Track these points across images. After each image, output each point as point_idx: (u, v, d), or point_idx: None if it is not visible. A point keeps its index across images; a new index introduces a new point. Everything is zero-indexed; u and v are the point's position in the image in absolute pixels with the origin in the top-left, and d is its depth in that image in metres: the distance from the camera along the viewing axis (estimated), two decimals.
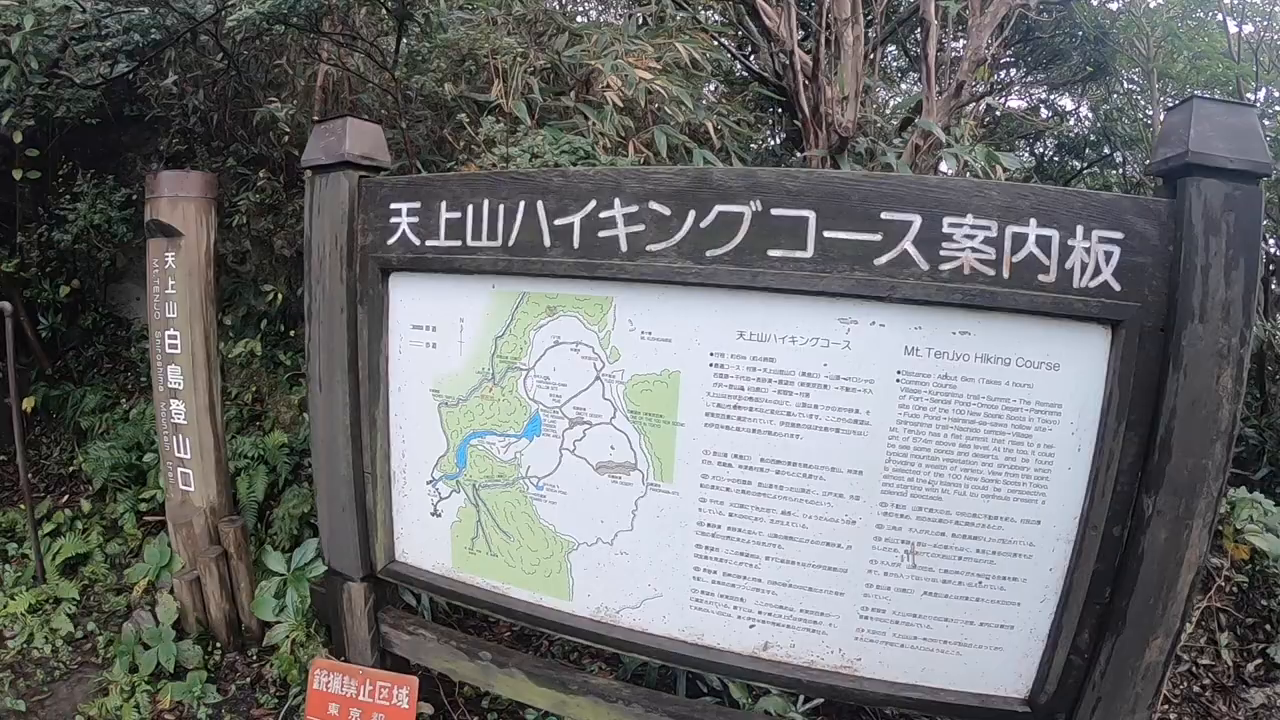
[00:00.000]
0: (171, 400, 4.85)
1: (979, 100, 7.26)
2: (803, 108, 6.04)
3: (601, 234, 3.21)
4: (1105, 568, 2.90)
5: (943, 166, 5.53)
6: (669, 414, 3.27)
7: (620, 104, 5.11)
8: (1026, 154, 13.08)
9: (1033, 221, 2.80)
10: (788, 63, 6.04)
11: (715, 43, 7.19)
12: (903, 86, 12.39)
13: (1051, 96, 13.17)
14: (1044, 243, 2.80)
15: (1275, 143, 11.30)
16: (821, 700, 3.93)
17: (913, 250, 2.88)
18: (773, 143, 9.00)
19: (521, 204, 3.34)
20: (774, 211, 2.98)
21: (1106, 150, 12.13)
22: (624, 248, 3.18)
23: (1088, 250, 2.78)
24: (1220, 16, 11.59)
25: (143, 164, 6.67)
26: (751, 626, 3.31)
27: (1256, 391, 10.88)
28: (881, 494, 3.07)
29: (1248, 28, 11.44)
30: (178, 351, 4.79)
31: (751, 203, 3.01)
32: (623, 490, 3.39)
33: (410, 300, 3.68)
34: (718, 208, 3.05)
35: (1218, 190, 2.65)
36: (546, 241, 3.31)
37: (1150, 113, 13.38)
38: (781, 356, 3.09)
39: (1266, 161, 2.62)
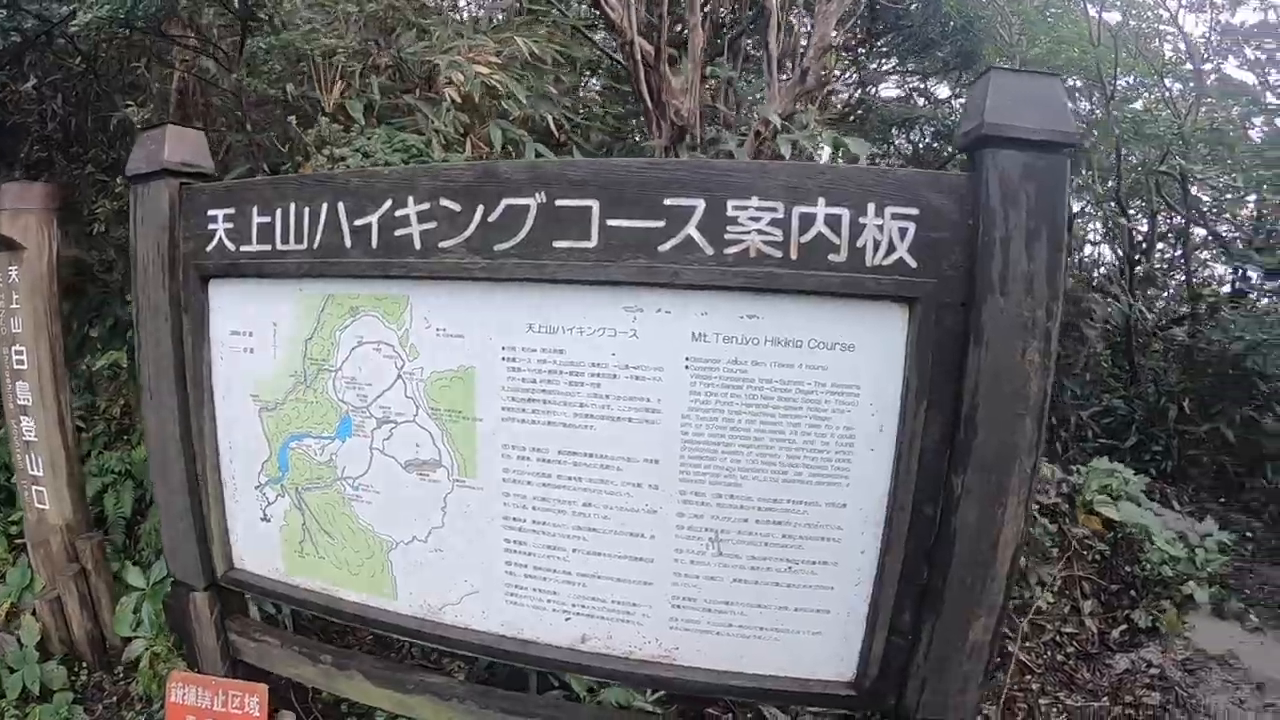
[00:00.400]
0: (22, 417, 4.49)
1: (825, 87, 6.67)
2: (644, 97, 5.53)
3: (397, 233, 2.92)
4: (919, 548, 2.63)
5: (783, 152, 4.98)
6: (468, 410, 2.97)
7: (459, 100, 4.60)
8: (903, 141, 12.72)
9: (821, 201, 2.51)
10: (629, 52, 5.39)
11: (573, 35, 6.55)
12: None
13: (927, 84, 12.71)
14: (833, 222, 2.50)
15: (1135, 124, 10.84)
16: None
17: (697, 235, 2.59)
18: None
19: (324, 206, 3.03)
20: (558, 202, 2.69)
21: None
22: (418, 245, 2.90)
23: (880, 228, 2.49)
24: (1083, 3, 11.29)
25: (5, 172, 6.00)
26: (568, 619, 3.01)
27: (1126, 364, 10.40)
28: (680, 482, 2.77)
29: (1114, 16, 11.08)
30: (24, 367, 4.41)
31: (537, 194, 2.71)
32: (431, 488, 3.09)
33: (228, 306, 3.37)
34: (505, 201, 2.76)
35: (1015, 161, 2.39)
36: (348, 242, 3.00)
37: None
38: (571, 348, 2.80)
39: (1069, 131, 2.38)
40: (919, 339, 2.49)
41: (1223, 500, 9.00)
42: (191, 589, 3.65)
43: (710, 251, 2.56)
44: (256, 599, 3.99)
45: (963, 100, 12.14)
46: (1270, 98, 11.58)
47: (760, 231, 2.52)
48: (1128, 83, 12.34)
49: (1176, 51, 12.46)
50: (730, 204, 2.54)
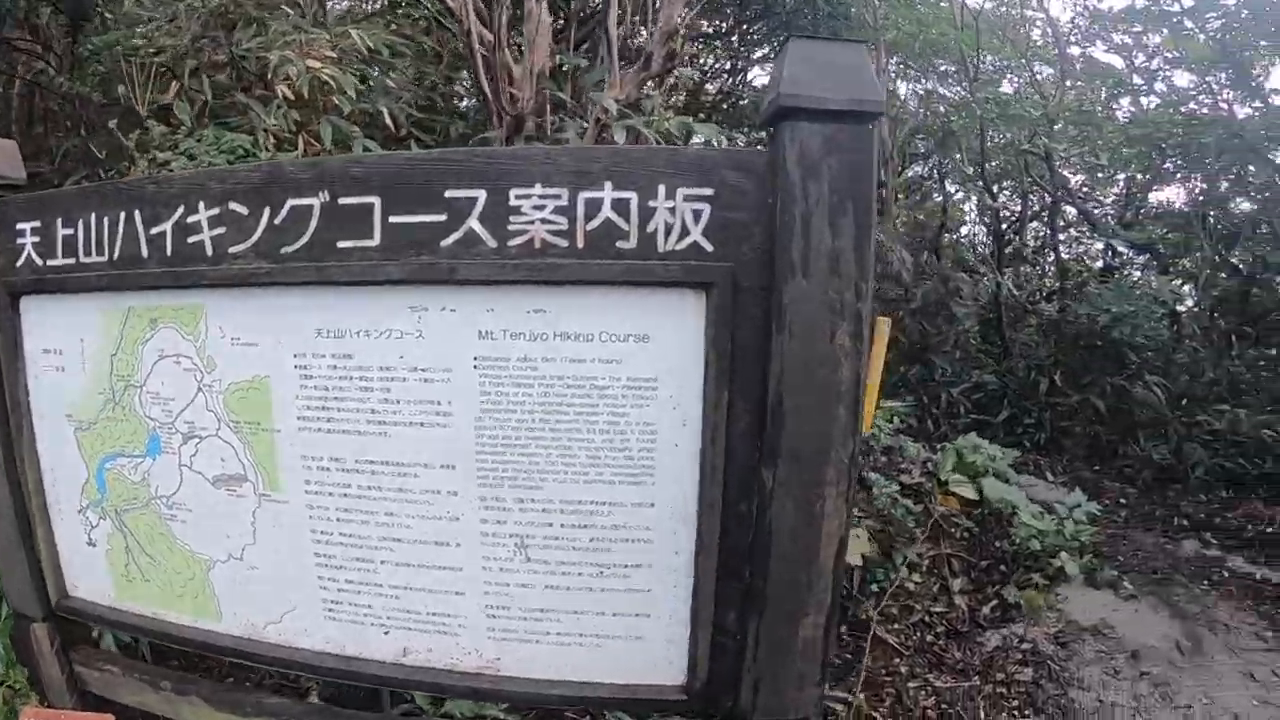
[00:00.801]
0: None
1: (671, 71, 6.19)
2: (483, 87, 4.98)
3: (190, 240, 2.54)
4: (736, 547, 2.30)
5: (618, 139, 4.52)
6: (265, 421, 2.59)
7: (292, 97, 4.08)
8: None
9: (608, 185, 2.18)
10: (467, 40, 4.88)
11: (433, 25, 6.09)
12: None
13: None
14: (621, 207, 2.18)
15: (1000, 106, 10.47)
16: None
17: (479, 228, 2.25)
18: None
19: (122, 215, 2.63)
20: (341, 201, 2.34)
21: None
22: (209, 252, 2.52)
23: (672, 210, 2.16)
24: None
25: None
26: (387, 633, 2.63)
27: (998, 340, 10.03)
28: (479, 487, 2.42)
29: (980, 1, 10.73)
30: None
31: (320, 194, 2.36)
32: (239, 503, 2.69)
33: (40, 324, 2.95)
34: (290, 202, 2.40)
35: (816, 133, 2.06)
36: (144, 252, 2.61)
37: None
38: (360, 352, 2.43)
39: (875, 99, 2.08)
40: (717, 327, 2.17)
41: (1097, 469, 8.66)
42: (31, 620, 3.25)
43: (493, 244, 2.23)
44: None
45: None
46: (1136, 79, 11.22)
47: (544, 221, 2.20)
48: (993, 65, 11.90)
49: (1045, 36, 12.01)
50: (513, 193, 2.21)
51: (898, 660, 4.44)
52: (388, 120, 5.07)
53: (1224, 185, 10.96)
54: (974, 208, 13.47)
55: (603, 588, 2.41)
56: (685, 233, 2.14)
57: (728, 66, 11.31)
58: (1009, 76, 12.25)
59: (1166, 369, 9.14)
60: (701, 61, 10.68)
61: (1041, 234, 12.59)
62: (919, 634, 4.66)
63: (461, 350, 2.31)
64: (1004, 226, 12.13)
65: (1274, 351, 9.28)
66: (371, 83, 5.19)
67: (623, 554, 2.37)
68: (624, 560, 2.37)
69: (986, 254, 11.88)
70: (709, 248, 2.14)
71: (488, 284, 2.24)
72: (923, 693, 4.22)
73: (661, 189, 2.13)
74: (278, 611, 2.74)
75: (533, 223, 2.18)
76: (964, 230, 14.08)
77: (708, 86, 10.96)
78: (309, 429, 2.50)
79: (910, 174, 13.31)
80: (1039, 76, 11.92)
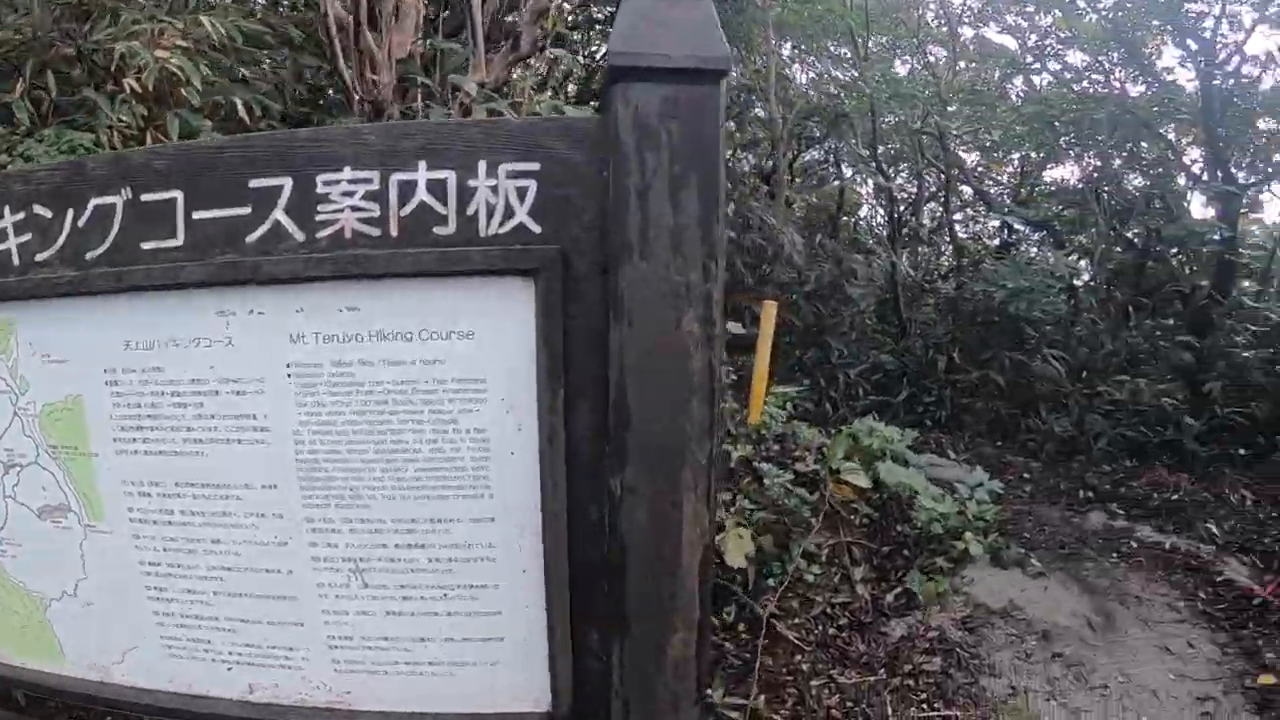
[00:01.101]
0: None
1: (542, 52, 5.76)
2: (341, 73, 4.56)
3: None
4: (589, 561, 1.95)
5: None
6: (82, 444, 2.18)
7: (139, 90, 3.74)
8: None
9: (422, 165, 1.82)
10: (324, 23, 4.46)
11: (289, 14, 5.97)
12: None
13: None
14: (438, 188, 1.82)
15: (892, 85, 10.14)
16: None
17: (285, 220, 1.88)
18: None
19: None
20: (144, 198, 1.95)
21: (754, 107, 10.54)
22: (16, 262, 2.11)
23: (495, 189, 1.81)
24: None
25: None
26: (230, 669, 2.23)
27: (895, 319, 9.66)
28: (305, 509, 2.03)
29: None
30: None
31: (123, 190, 1.96)
32: (66, 535, 2.28)
33: None
34: (93, 202, 2.01)
35: (653, 94, 1.70)
36: None
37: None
38: (170, 364, 2.02)
39: (721, 56, 1.71)
40: (547, 318, 1.81)
41: (999, 444, 8.35)
42: None
43: (301, 237, 1.88)
44: None
45: (736, 69, 11.24)
46: (1030, 59, 10.99)
47: (354, 208, 1.84)
48: (884, 46, 11.55)
49: (938, 18, 11.71)
50: (320, 179, 1.85)
51: (799, 657, 4.06)
52: (241, 112, 4.58)
53: (1117, 162, 10.89)
54: (871, 190, 13.22)
55: (449, 611, 2.06)
56: (510, 214, 1.81)
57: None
58: (902, 58, 12.12)
59: (1065, 342, 8.91)
60: (594, 49, 10.22)
61: (938, 214, 12.45)
62: (821, 627, 4.28)
63: (273, 357, 1.94)
64: (900, 208, 11.82)
65: (1170, 322, 9.08)
66: (247, 74, 4.69)
67: (466, 574, 2.03)
68: (468, 581, 2.03)
69: (883, 235, 11.51)
70: (536, 229, 1.81)
71: (296, 282, 1.88)
72: (826, 690, 3.87)
73: (482, 166, 1.80)
74: (119, 650, 2.36)
75: (342, 211, 1.84)
76: (862, 213, 13.86)
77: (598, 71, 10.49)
78: (126, 452, 2.13)
79: (807, 158, 12.98)
80: (932, 58, 11.79)
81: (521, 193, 1.80)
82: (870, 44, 11.18)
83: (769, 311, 5.49)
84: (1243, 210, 9.74)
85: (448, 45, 5.61)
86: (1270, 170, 10.45)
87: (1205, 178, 10.14)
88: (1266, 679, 4.11)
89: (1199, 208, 10.49)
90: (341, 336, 1.89)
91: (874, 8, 10.53)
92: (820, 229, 11.08)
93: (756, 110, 11.07)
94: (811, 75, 12.77)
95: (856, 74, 10.95)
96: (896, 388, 9.00)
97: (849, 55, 11.42)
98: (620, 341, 1.77)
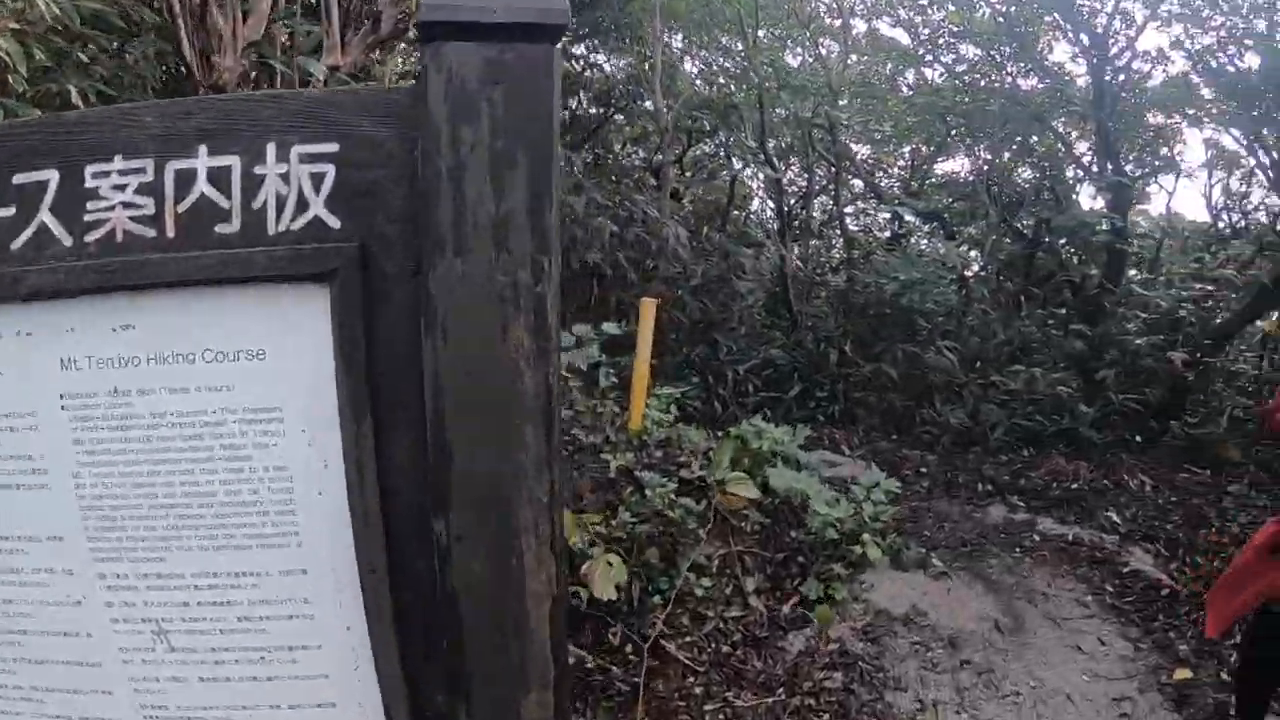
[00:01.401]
0: None
1: (404, 34, 5.26)
2: (185, 57, 4.11)
3: None
4: (423, 618, 1.52)
5: None
6: None
7: None
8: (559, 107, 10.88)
9: (203, 150, 1.38)
10: (168, 5, 4.01)
11: None
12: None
13: (588, 47, 11.07)
14: (220, 178, 1.39)
15: (782, 74, 9.74)
16: None
17: (51, 221, 1.43)
18: None
19: None
20: None
21: (644, 100, 10.20)
22: None
23: (285, 177, 1.37)
24: None
25: None
26: None
27: (786, 313, 9.19)
28: (95, 562, 1.58)
29: None
30: None
31: None
32: None
33: None
34: None
35: (472, 56, 1.28)
36: None
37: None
38: None
39: (557, 9, 1.29)
40: (345, 331, 1.40)
41: (895, 437, 7.93)
42: None
43: (69, 242, 1.45)
44: None
45: (624, 61, 10.81)
46: (923, 53, 10.71)
47: (126, 204, 1.42)
48: (774, 36, 11.12)
49: (830, 10, 11.35)
50: (89, 171, 1.42)
51: (691, 680, 3.63)
52: (75, 100, 4.03)
53: (1007, 155, 10.73)
54: (763, 184, 12.75)
55: (269, 676, 1.64)
56: (304, 206, 1.40)
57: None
58: (794, 50, 11.87)
59: (958, 333, 8.56)
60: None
61: (829, 207, 12.06)
62: (714, 645, 3.84)
63: (45, 387, 1.52)
64: (792, 201, 11.37)
65: (1062, 311, 8.75)
66: (86, 59, 4.27)
67: (282, 634, 1.62)
68: (286, 642, 1.62)
69: (773, 229, 11.00)
70: (334, 223, 1.39)
71: (65, 295, 1.46)
72: (721, 715, 3.46)
73: (271, 149, 1.39)
74: None
75: (113, 208, 1.43)
76: (754, 206, 13.38)
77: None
78: None
79: (698, 152, 12.43)
80: (824, 51, 11.49)
81: (317, 180, 1.40)
82: (761, 35, 10.64)
83: (648, 309, 5.04)
84: (1132, 202, 9.64)
85: (308, 27, 4.98)
86: (1158, 163, 10.42)
87: (1095, 170, 9.90)
88: (1183, 674, 3.83)
89: (1087, 199, 10.41)
90: (117, 360, 1.47)
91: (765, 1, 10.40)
92: (709, 222, 10.55)
93: (647, 103, 10.42)
94: (701, 66, 12.26)
95: (747, 64, 10.39)
96: (788, 383, 8.42)
97: (740, 47, 10.76)
98: (434, 358, 1.37)
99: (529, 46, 1.34)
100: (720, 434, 5.32)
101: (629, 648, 3.66)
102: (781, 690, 3.57)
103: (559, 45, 1.40)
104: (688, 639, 3.78)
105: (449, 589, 1.47)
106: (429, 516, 1.46)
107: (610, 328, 5.12)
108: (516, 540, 1.44)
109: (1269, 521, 3.02)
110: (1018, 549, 5.08)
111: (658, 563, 3.95)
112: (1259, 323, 8.05)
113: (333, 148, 1.40)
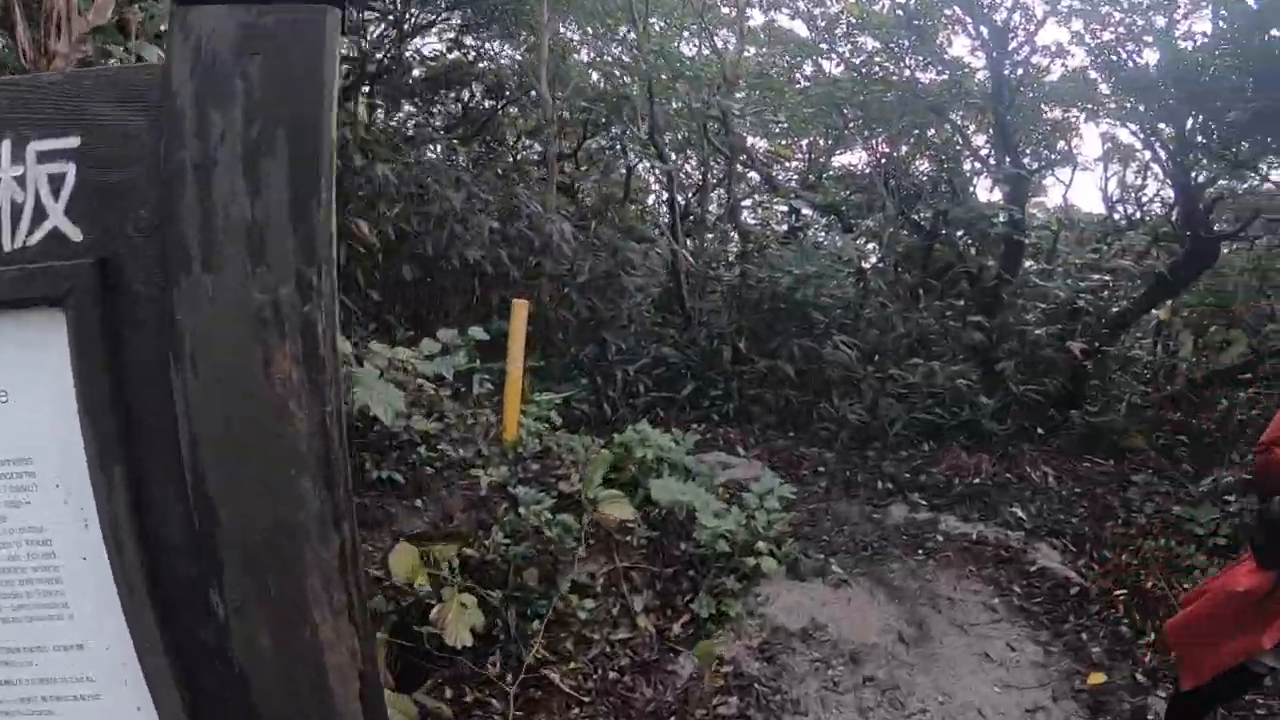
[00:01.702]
0: None
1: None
2: (19, 44, 3.82)
3: None
4: (219, 697, 1.20)
5: None
6: None
7: None
8: (451, 99, 10.79)
9: None
10: None
11: None
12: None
13: (480, 38, 10.80)
14: None
15: (674, 63, 10.01)
16: None
17: None
18: None
19: None
20: None
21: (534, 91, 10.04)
22: None
23: (21, 180, 1.08)
24: None
25: None
26: None
27: (678, 310, 9.13)
28: None
29: None
30: None
31: None
32: None
33: None
34: None
35: (225, 22, 0.98)
36: None
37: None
38: None
39: None
40: (86, 363, 1.12)
41: (791, 435, 7.68)
42: None
43: None
44: None
45: (519, 53, 10.76)
46: (821, 44, 10.77)
47: None
48: (669, 26, 11.04)
49: (727, 1, 11.38)
50: None
51: (576, 710, 3.34)
52: None
53: (905, 147, 10.69)
54: (659, 176, 12.32)
55: None
56: (41, 215, 1.12)
57: (391, 35, 9.80)
58: (689, 42, 11.56)
59: (855, 327, 8.42)
60: (371, 31, 9.38)
61: (724, 200, 11.73)
62: (600, 671, 3.56)
63: None
64: (688, 194, 11.32)
65: (960, 302, 8.67)
66: None
67: (70, 716, 1.33)
68: None
69: (663, 222, 10.92)
70: (75, 235, 1.11)
71: None
72: None
73: (6, 147, 1.12)
74: None
75: None
76: (650, 200, 13.11)
77: (372, 56, 9.50)
78: None
79: (594, 145, 12.01)
80: (720, 43, 11.29)
81: (56, 182, 1.12)
82: (657, 25, 10.49)
83: (519, 310, 4.78)
84: (1029, 194, 9.66)
85: (166, 9, 4.49)
86: (1055, 156, 10.47)
87: (993, 162, 9.90)
88: (1096, 678, 3.67)
89: (984, 192, 10.41)
90: None
91: None
92: (599, 217, 10.21)
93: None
94: (594, 56, 11.89)
95: (638, 53, 10.12)
96: (681, 382, 8.23)
97: (632, 39, 10.46)
98: (186, 397, 1.09)
99: (297, 6, 1.05)
100: (606, 441, 5.02)
101: (510, 677, 3.39)
102: (673, 719, 3.32)
103: (343, 6, 1.10)
104: (571, 665, 3.52)
105: (237, 669, 1.19)
106: (201, 589, 1.18)
107: (477, 332, 4.79)
108: (306, 613, 1.16)
109: (1242, 559, 2.76)
110: (920, 550, 4.87)
111: (537, 584, 3.71)
112: (1154, 311, 8.14)
113: (73, 142, 1.11)
